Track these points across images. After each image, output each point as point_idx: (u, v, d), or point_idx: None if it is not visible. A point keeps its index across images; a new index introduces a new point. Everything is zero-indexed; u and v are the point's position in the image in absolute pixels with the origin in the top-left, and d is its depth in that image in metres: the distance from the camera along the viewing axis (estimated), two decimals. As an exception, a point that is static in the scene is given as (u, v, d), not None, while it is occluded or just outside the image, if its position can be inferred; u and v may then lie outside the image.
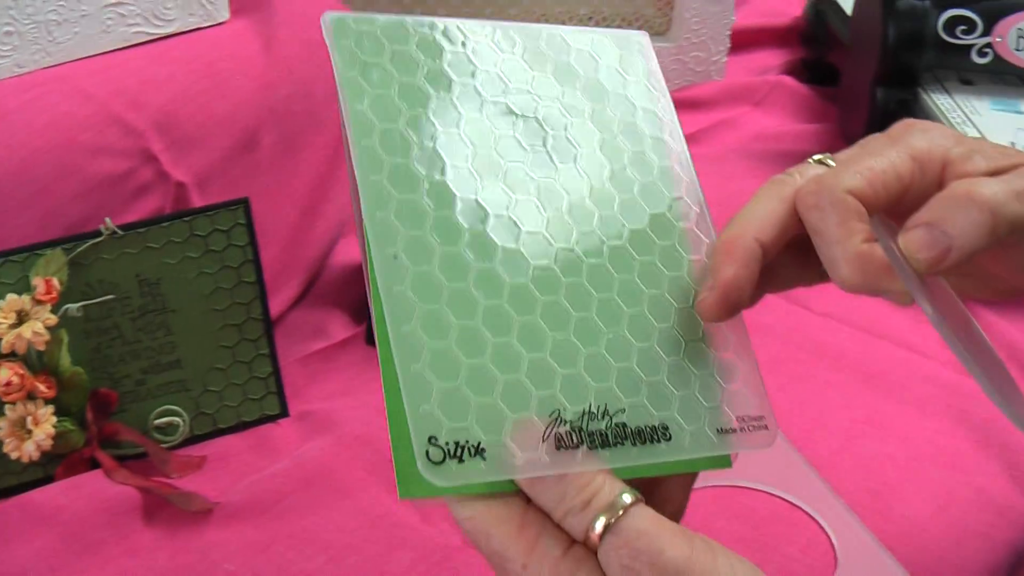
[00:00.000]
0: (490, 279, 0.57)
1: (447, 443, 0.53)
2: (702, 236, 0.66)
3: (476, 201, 0.59)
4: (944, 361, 1.10)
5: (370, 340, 1.09)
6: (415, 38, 0.62)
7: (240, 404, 0.99)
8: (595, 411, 0.57)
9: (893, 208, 0.63)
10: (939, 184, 0.63)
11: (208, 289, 0.97)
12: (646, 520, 0.54)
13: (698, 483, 0.65)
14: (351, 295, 1.15)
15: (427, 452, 0.52)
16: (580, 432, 0.56)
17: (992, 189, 0.60)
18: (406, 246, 0.56)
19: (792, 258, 0.67)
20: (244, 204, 0.98)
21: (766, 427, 0.63)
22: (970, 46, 1.31)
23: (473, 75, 0.63)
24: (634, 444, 0.58)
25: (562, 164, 0.63)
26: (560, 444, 0.55)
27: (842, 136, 1.44)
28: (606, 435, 0.57)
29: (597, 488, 0.55)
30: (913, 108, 1.32)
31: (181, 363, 0.97)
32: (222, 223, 0.97)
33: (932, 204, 0.61)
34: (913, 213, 0.61)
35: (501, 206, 0.60)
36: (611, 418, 0.57)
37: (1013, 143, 1.23)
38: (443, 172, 0.59)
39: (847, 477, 0.97)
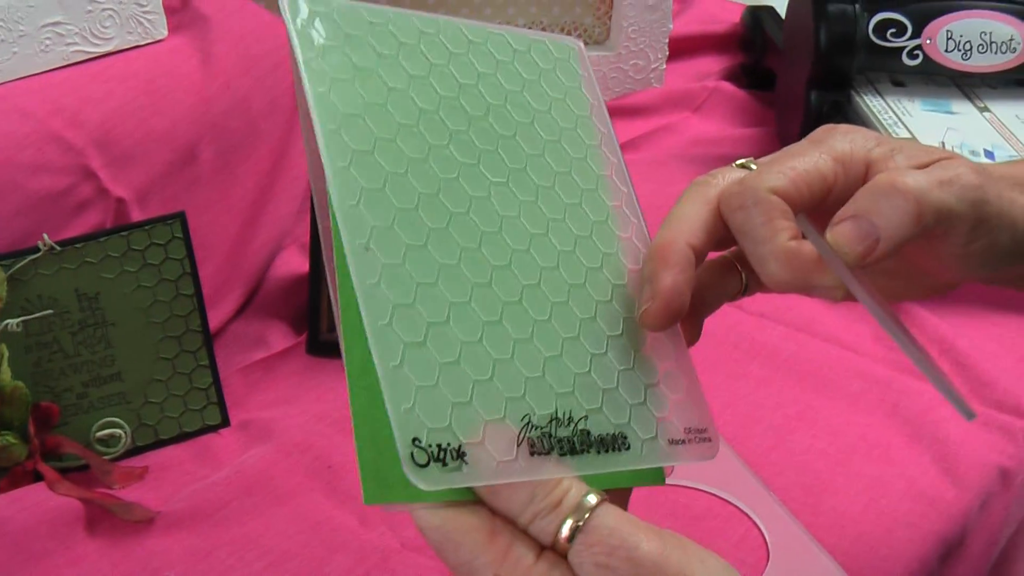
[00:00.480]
0: (455, 277, 0.57)
1: (430, 445, 0.51)
2: (639, 246, 0.66)
3: (438, 198, 0.58)
4: (876, 358, 1.12)
5: (311, 349, 1.11)
6: (370, 26, 0.61)
7: (181, 415, 1.00)
8: (561, 417, 0.57)
9: (818, 208, 0.64)
10: (863, 183, 0.64)
11: (147, 302, 0.98)
12: (615, 517, 0.54)
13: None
14: (291, 306, 1.16)
15: (412, 454, 0.51)
16: (550, 438, 0.56)
17: (915, 178, 0.61)
18: (376, 238, 0.55)
19: (712, 276, 0.68)
20: (180, 217, 0.99)
21: (709, 439, 0.63)
22: (900, 48, 1.33)
23: (428, 71, 0.62)
24: (598, 452, 0.57)
25: (513, 165, 0.63)
26: (533, 450, 0.55)
27: (779, 140, 1.46)
28: (573, 442, 0.56)
29: (565, 490, 0.54)
30: (846, 110, 1.34)
31: (121, 376, 0.98)
32: (159, 237, 0.98)
33: (857, 197, 0.62)
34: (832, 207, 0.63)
35: (462, 204, 0.59)
36: (575, 425, 0.57)
37: (943, 143, 1.25)
38: (405, 166, 0.58)
39: (780, 472, 0.98)
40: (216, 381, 1.02)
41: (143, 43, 1.12)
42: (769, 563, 0.90)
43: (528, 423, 0.55)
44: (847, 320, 1.17)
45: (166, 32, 1.14)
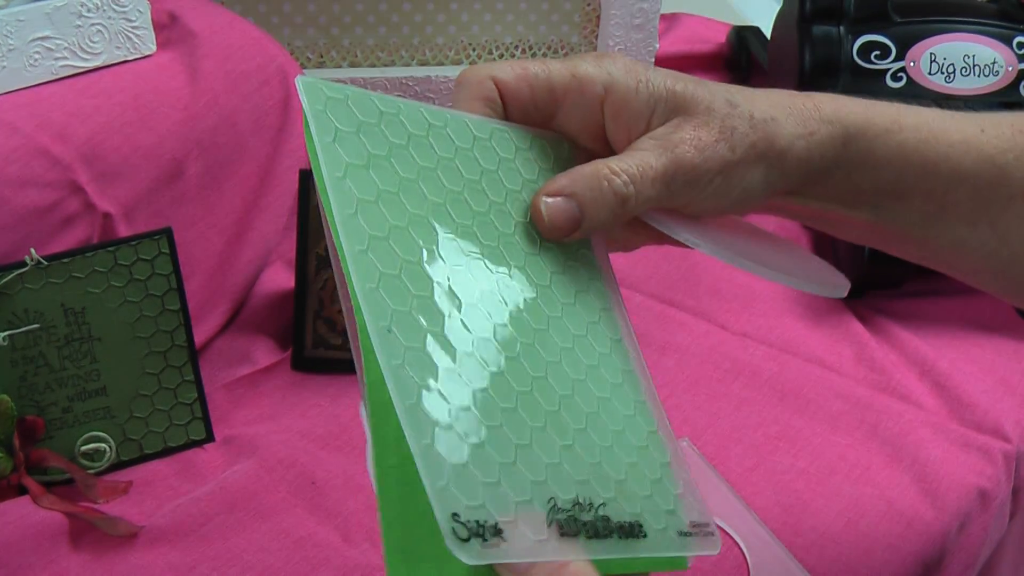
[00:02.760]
0: (473, 364, 0.58)
1: (469, 521, 0.51)
2: (630, 350, 0.68)
3: (449, 288, 0.59)
4: (856, 378, 1.13)
5: (296, 365, 1.11)
6: (382, 115, 0.62)
7: (166, 430, 1.01)
8: (582, 502, 0.57)
9: (545, 110, 0.69)
10: (600, 105, 0.68)
11: (132, 317, 0.99)
12: None
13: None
14: (276, 322, 1.16)
15: (453, 529, 0.51)
16: (576, 521, 0.56)
17: (625, 179, 0.65)
18: (396, 321, 0.56)
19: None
20: (167, 233, 0.99)
21: (712, 533, 0.64)
22: (884, 71, 1.34)
23: (436, 164, 0.63)
24: (620, 538, 0.58)
25: (513, 259, 0.64)
26: (563, 531, 0.55)
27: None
28: (596, 526, 0.57)
29: None
30: (830, 132, 1.34)
31: (107, 390, 0.98)
32: (145, 252, 0.99)
33: (576, 178, 0.66)
34: (570, 122, 0.69)
35: (472, 296, 0.60)
36: (596, 510, 0.58)
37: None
38: (417, 255, 0.59)
39: (760, 492, 0.99)
40: (201, 396, 1.02)
41: (131, 58, 1.13)
42: (749, 582, 0.91)
43: (554, 506, 0.56)
44: (829, 341, 1.18)
45: (154, 48, 1.14)
